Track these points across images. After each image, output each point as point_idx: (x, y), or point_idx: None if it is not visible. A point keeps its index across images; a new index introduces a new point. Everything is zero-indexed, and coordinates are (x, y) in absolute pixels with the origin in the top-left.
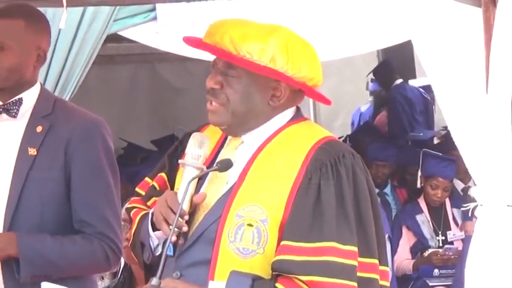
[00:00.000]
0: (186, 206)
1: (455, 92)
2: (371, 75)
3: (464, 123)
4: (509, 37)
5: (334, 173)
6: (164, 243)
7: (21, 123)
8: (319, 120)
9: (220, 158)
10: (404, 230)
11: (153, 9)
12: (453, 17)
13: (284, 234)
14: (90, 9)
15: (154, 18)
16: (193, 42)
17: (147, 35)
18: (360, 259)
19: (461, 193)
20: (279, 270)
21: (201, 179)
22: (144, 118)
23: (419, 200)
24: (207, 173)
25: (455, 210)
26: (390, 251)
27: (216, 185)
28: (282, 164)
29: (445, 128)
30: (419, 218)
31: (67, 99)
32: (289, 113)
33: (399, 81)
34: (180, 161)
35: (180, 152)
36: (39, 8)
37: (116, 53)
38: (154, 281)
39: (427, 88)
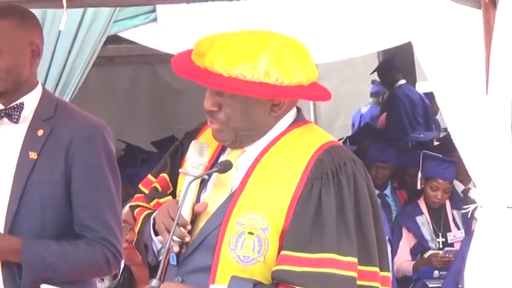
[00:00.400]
0: (187, 216)
1: (455, 93)
2: (372, 76)
3: (464, 125)
4: (509, 38)
5: (335, 182)
6: (167, 249)
7: (22, 127)
8: (319, 121)
9: None
10: (405, 232)
11: (153, 11)
12: (453, 19)
13: (284, 243)
14: (90, 11)
15: (155, 20)
16: (183, 67)
17: (147, 36)
18: (360, 267)
19: (462, 195)
20: (279, 280)
21: (203, 183)
22: (144, 119)
23: (419, 201)
24: (209, 178)
25: (455, 212)
26: (390, 252)
27: (219, 191)
28: (284, 165)
29: (445, 129)
30: (419, 219)
31: (67, 100)
32: (290, 116)
33: (402, 81)
34: (180, 170)
35: (180, 153)
36: (39, 10)
37: (116, 54)
38: (154, 282)
39: (430, 95)
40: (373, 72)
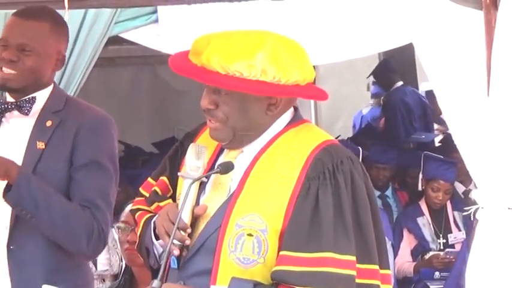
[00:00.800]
0: (187, 219)
1: (456, 94)
2: (371, 78)
3: (465, 126)
4: (510, 39)
5: (333, 180)
6: (168, 252)
7: (31, 120)
8: (320, 122)
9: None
10: (405, 233)
11: (155, 12)
12: (454, 20)
13: (283, 243)
14: (92, 12)
15: (156, 21)
16: (180, 66)
17: (149, 37)
18: (360, 266)
19: (462, 196)
20: (278, 280)
21: (202, 185)
22: (145, 120)
23: (420, 202)
24: (208, 180)
25: (456, 213)
26: (392, 257)
27: (217, 193)
28: (282, 164)
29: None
30: (420, 220)
31: None
32: (287, 116)
33: (399, 83)
34: (179, 173)
35: (180, 154)
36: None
37: (117, 55)
38: (155, 283)
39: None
40: (369, 76)
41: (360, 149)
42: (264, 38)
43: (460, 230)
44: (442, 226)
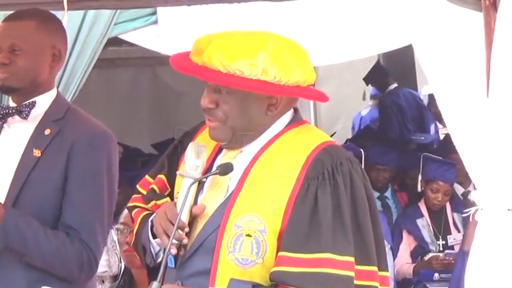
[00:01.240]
0: (185, 218)
1: (456, 96)
2: (368, 85)
3: (465, 127)
4: (510, 41)
5: (332, 181)
6: (165, 250)
7: (31, 125)
8: (319, 123)
9: (218, 164)
10: (405, 234)
11: (154, 13)
12: (454, 21)
13: (282, 244)
14: (91, 13)
15: (155, 22)
16: (181, 64)
17: (148, 38)
18: (358, 267)
19: (462, 197)
20: (277, 281)
21: (200, 184)
22: (144, 121)
23: (419, 204)
24: (206, 179)
25: (455, 215)
26: (392, 260)
27: (216, 193)
28: (282, 164)
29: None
30: (419, 222)
31: None
32: (287, 117)
33: (393, 86)
34: (178, 172)
35: (179, 151)
36: (39, 11)
37: (117, 56)
38: (155, 285)
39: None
40: (365, 79)
41: (362, 151)
42: (265, 38)
43: (459, 232)
44: (441, 227)
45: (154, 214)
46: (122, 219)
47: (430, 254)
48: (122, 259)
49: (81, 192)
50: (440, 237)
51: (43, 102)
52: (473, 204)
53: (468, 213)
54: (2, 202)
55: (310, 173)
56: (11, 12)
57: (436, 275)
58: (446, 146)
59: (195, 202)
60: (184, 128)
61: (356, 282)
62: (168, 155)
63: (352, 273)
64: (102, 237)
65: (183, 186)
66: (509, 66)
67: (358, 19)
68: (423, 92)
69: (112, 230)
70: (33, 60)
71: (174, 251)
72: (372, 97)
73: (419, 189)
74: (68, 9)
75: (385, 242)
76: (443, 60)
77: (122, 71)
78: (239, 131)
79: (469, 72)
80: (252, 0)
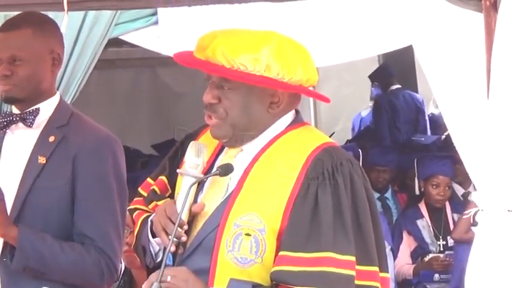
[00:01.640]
0: (184, 216)
1: (456, 97)
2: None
3: (465, 128)
4: (510, 42)
5: (332, 181)
6: (165, 249)
7: (35, 132)
8: (319, 124)
9: (218, 165)
10: (405, 235)
11: (155, 14)
12: (454, 22)
13: (282, 244)
14: (91, 14)
15: (156, 23)
16: (185, 59)
17: (149, 39)
18: (359, 267)
19: (462, 198)
20: (278, 280)
21: (200, 184)
22: (145, 122)
23: (419, 204)
24: (206, 179)
25: (455, 215)
26: (392, 261)
27: (215, 192)
28: (282, 164)
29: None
30: (419, 222)
31: (68, 103)
32: (289, 117)
33: (395, 86)
34: (178, 170)
35: (180, 154)
36: (34, 17)
37: (117, 57)
38: (155, 285)
39: None
40: (371, 76)
41: (360, 151)
42: (270, 35)
43: None
44: (441, 228)
45: (154, 213)
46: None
47: (430, 255)
48: (122, 260)
49: (91, 200)
50: (440, 237)
51: (46, 108)
52: (473, 205)
53: (468, 215)
54: (11, 203)
55: (311, 173)
56: (11, 13)
57: (436, 275)
58: (447, 147)
59: (195, 201)
60: (184, 127)
61: (357, 282)
62: (169, 157)
63: (353, 273)
64: (118, 242)
65: (183, 184)
66: (510, 67)
67: (359, 20)
68: (428, 111)
69: None
70: (35, 69)
71: (172, 248)
72: (373, 98)
73: (417, 191)
74: (68, 10)
75: (386, 243)
76: (443, 61)
77: (122, 72)
78: (239, 128)
79: (470, 73)
80: (253, 0)
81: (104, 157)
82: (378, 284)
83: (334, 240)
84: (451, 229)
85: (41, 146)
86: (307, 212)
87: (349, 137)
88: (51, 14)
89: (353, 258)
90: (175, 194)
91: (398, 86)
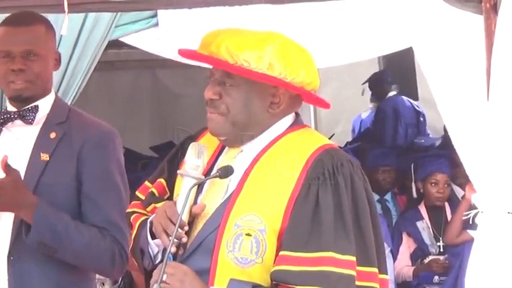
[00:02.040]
0: (185, 217)
1: (456, 98)
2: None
3: (465, 130)
4: (510, 44)
5: (332, 182)
6: (164, 251)
7: (35, 129)
8: (319, 126)
9: (218, 166)
10: (405, 237)
11: (155, 16)
12: (454, 24)
13: (283, 244)
14: (92, 16)
15: (156, 25)
16: (188, 55)
17: (149, 41)
18: (359, 268)
19: (461, 200)
20: (278, 280)
21: (200, 185)
22: (145, 124)
23: (419, 206)
24: (206, 180)
25: None
26: (392, 263)
27: (215, 193)
28: (282, 165)
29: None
30: (419, 224)
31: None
32: (289, 119)
33: (393, 93)
34: (178, 171)
35: (180, 156)
36: (40, 14)
37: (117, 59)
38: (155, 287)
39: None
40: (364, 83)
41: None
42: (274, 35)
43: None
44: (441, 230)
45: (154, 214)
46: None
47: (430, 257)
48: None
49: (100, 193)
50: (440, 239)
51: (44, 105)
52: (473, 207)
53: (468, 216)
54: None
55: (311, 173)
56: (9, 14)
57: (436, 277)
58: (445, 148)
59: (195, 202)
60: (184, 128)
61: (356, 283)
62: (168, 160)
63: (353, 273)
64: (127, 232)
65: (183, 185)
66: (510, 69)
67: (359, 21)
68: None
69: None
70: (46, 66)
71: (173, 249)
72: (372, 100)
73: (414, 194)
74: (68, 12)
75: (385, 245)
76: (443, 63)
77: (122, 74)
78: (239, 126)
79: (469, 75)
80: (253, 3)
81: (108, 150)
82: (377, 285)
83: (335, 240)
84: None
85: (42, 142)
86: (308, 212)
87: (349, 138)
88: (51, 16)
89: (354, 258)
90: (175, 196)
91: (394, 92)
